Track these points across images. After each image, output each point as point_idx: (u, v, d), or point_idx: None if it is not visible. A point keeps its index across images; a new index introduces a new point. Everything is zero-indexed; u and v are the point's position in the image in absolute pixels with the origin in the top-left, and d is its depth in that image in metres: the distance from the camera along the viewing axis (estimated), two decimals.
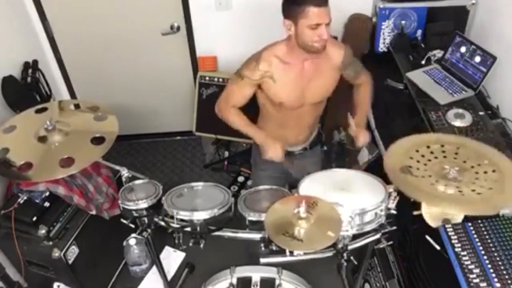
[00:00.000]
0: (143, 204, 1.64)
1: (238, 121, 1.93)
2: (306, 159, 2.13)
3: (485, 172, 1.39)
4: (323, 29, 1.65)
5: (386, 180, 1.53)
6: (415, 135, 1.56)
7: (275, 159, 1.86)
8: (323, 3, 1.62)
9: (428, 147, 1.50)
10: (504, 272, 1.48)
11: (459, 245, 1.58)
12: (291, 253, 1.42)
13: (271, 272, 1.78)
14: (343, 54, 1.86)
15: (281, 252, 1.44)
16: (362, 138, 1.88)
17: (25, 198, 2.03)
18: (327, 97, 1.96)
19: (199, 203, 1.66)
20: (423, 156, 1.47)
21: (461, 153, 1.47)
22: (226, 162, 3.25)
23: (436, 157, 1.47)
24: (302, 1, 1.62)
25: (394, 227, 1.56)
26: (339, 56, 1.86)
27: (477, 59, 2.20)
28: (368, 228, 1.52)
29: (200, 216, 1.58)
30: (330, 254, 1.54)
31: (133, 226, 1.71)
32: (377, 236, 1.56)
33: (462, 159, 1.45)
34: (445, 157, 1.47)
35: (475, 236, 1.61)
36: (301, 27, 1.66)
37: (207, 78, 3.00)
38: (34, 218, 2.00)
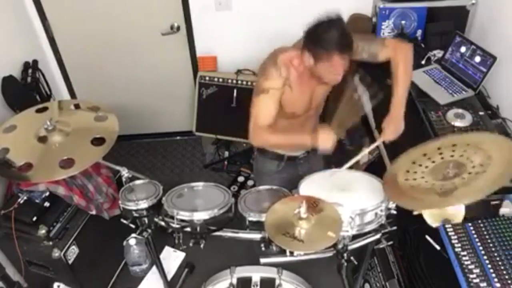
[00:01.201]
0: (143, 204, 1.64)
1: (279, 138, 1.77)
2: (310, 163, 2.12)
3: (481, 165, 1.38)
4: (341, 71, 1.63)
5: None
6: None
7: (331, 146, 1.66)
8: (349, 50, 1.58)
9: (424, 155, 1.49)
10: (504, 272, 1.48)
11: (459, 245, 1.58)
12: (291, 253, 1.42)
13: (271, 272, 1.78)
14: None
15: (281, 252, 1.44)
16: (390, 130, 1.69)
17: (25, 198, 2.03)
18: (327, 95, 1.95)
19: (199, 203, 1.66)
20: (420, 165, 1.46)
21: (457, 149, 1.45)
22: (226, 162, 3.25)
23: (433, 162, 1.46)
24: (329, 47, 1.55)
25: (394, 227, 1.56)
26: None
27: (477, 59, 2.20)
28: (368, 228, 1.52)
29: (200, 216, 1.58)
30: (330, 254, 1.55)
31: (133, 226, 1.71)
32: (377, 236, 1.56)
33: (459, 154, 1.42)
34: (442, 158, 1.46)
35: (475, 236, 1.61)
36: (321, 66, 1.62)
37: (207, 78, 3.00)
38: (34, 218, 2.00)
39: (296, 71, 1.73)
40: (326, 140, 1.64)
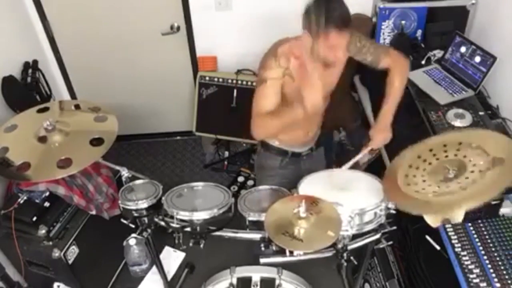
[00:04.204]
0: (143, 204, 1.64)
1: (276, 121, 1.70)
2: (312, 161, 2.12)
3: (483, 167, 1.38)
4: (340, 49, 1.63)
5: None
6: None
7: (318, 101, 1.58)
8: (346, 27, 1.58)
9: (430, 150, 1.48)
10: (504, 272, 1.48)
11: (459, 245, 1.58)
12: (291, 253, 1.42)
13: (271, 272, 1.78)
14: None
15: (281, 252, 1.44)
16: (378, 139, 1.74)
17: (25, 198, 2.03)
18: (332, 89, 1.93)
19: (199, 203, 1.66)
20: (425, 160, 1.45)
21: (462, 148, 1.43)
22: (226, 162, 3.25)
23: (437, 159, 1.45)
24: (326, 24, 1.55)
25: (394, 227, 1.56)
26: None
27: (477, 59, 2.20)
28: (368, 228, 1.52)
29: (200, 216, 1.58)
30: (330, 254, 1.55)
31: (133, 226, 1.71)
32: (377, 236, 1.56)
33: (463, 154, 1.41)
34: (446, 156, 1.45)
35: (475, 236, 1.61)
36: (319, 45, 1.62)
37: (207, 78, 3.00)
38: (34, 218, 2.00)
39: (297, 61, 1.73)
40: (313, 93, 1.57)
